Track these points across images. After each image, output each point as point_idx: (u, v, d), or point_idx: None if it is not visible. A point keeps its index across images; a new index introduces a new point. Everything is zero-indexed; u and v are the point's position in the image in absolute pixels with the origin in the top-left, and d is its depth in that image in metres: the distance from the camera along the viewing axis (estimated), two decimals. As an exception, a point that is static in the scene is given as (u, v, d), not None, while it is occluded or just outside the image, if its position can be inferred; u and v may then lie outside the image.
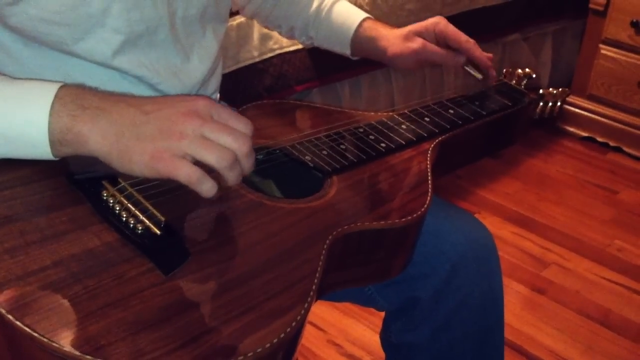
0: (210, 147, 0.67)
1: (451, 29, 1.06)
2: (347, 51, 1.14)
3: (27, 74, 0.82)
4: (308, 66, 1.64)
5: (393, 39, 1.08)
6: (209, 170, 0.67)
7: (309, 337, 1.55)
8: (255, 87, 1.56)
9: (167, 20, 0.85)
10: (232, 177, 0.68)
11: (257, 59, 1.57)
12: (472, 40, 1.06)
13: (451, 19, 1.08)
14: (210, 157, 0.67)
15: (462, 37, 1.05)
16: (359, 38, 1.12)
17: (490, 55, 1.09)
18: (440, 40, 1.06)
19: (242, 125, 0.70)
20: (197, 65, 0.92)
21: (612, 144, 2.43)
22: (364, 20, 1.12)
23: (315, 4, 1.15)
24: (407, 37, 1.07)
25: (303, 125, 1.00)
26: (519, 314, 1.65)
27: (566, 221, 2.03)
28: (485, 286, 0.93)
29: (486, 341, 0.95)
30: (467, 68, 1.08)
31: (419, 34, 1.07)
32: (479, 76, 1.09)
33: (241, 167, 0.69)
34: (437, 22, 1.06)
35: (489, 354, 0.97)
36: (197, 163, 0.67)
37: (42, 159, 0.71)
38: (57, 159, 0.71)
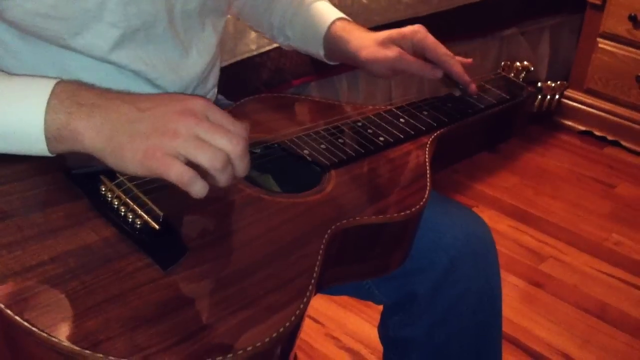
0: (203, 147, 0.66)
1: (430, 40, 1.00)
2: (321, 52, 1.09)
3: (24, 69, 0.82)
4: (306, 60, 1.64)
5: (368, 42, 1.02)
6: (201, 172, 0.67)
7: (307, 331, 1.55)
8: (253, 81, 1.56)
9: (165, 14, 0.84)
10: (223, 179, 0.68)
11: (255, 52, 1.57)
12: (450, 54, 1.00)
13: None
14: (203, 158, 0.66)
15: (440, 50, 1.00)
16: (331, 38, 1.06)
17: (470, 60, 1.04)
18: (418, 50, 1.01)
19: (238, 127, 0.69)
20: (196, 59, 0.91)
21: (609, 138, 2.43)
22: (338, 19, 1.06)
23: (295, 2, 1.10)
24: (383, 44, 1.01)
25: (301, 119, 1.00)
26: (516, 308, 1.66)
27: (564, 215, 2.04)
28: (483, 280, 0.93)
29: (484, 335, 0.96)
30: (444, 82, 1.03)
31: (395, 41, 1.01)
32: (456, 92, 1.04)
33: (234, 169, 0.68)
34: (416, 30, 1.01)
35: (487, 348, 0.97)
36: (189, 163, 0.66)
37: (39, 156, 0.71)
38: (53, 155, 0.71)
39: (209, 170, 0.66)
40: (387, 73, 1.03)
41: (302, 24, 1.09)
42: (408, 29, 1.02)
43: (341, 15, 1.08)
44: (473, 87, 1.02)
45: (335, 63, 1.12)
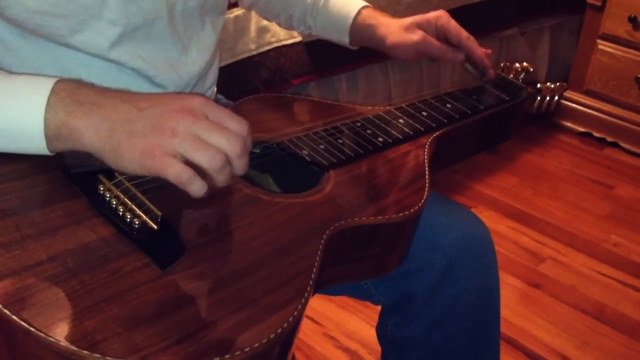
0: (201, 147, 0.65)
1: (453, 24, 1.06)
2: (345, 39, 1.13)
3: (24, 66, 0.82)
4: (305, 60, 1.64)
5: (393, 28, 1.07)
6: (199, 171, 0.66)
7: (305, 331, 1.55)
8: (252, 80, 1.56)
9: (165, 12, 0.84)
10: (221, 179, 0.67)
11: (254, 52, 1.57)
12: (472, 38, 1.05)
13: (449, 13, 1.07)
14: (201, 158, 0.65)
15: (462, 34, 1.05)
16: (357, 26, 1.11)
17: (489, 51, 1.08)
18: (441, 34, 1.06)
19: (237, 125, 0.68)
20: (195, 58, 0.91)
21: (609, 139, 2.43)
22: (363, 8, 1.11)
23: None
24: (408, 28, 1.06)
25: (300, 119, 1.00)
26: (514, 309, 1.66)
27: (562, 216, 2.04)
28: (482, 281, 0.93)
29: (482, 335, 0.96)
30: (465, 65, 1.09)
31: (420, 25, 1.06)
32: (477, 75, 1.09)
33: (233, 169, 0.68)
34: (440, 15, 1.06)
35: (485, 348, 0.97)
36: (188, 162, 0.66)
37: (38, 154, 0.71)
38: (52, 154, 0.71)
39: (207, 171, 0.66)
40: (412, 56, 1.08)
41: (326, 15, 1.13)
42: (432, 14, 1.07)
43: (364, 3, 1.13)
44: (491, 71, 1.09)
45: (355, 47, 1.16)
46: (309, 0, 1.14)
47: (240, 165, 0.68)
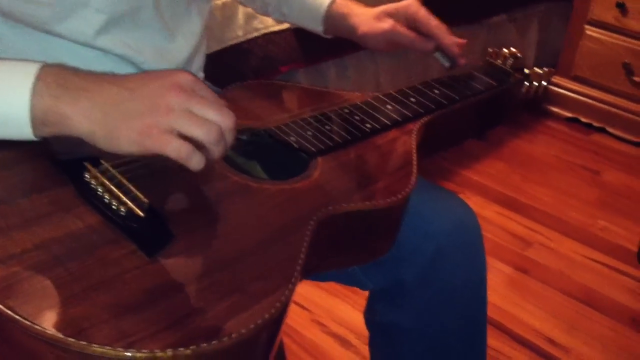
0: (197, 121, 0.67)
1: (422, 13, 1.04)
2: (319, 28, 1.12)
3: (9, 53, 0.81)
4: (294, 47, 1.63)
5: (365, 17, 1.07)
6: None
7: (294, 317, 1.56)
8: (240, 67, 1.55)
9: (150, -1, 0.84)
10: (218, 151, 0.69)
11: (242, 39, 1.56)
12: (443, 26, 1.04)
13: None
14: (199, 132, 0.67)
15: (432, 22, 1.04)
16: (331, 14, 1.10)
17: (463, 41, 1.07)
18: (411, 23, 1.05)
19: (220, 100, 0.70)
20: (182, 44, 0.91)
21: (596, 124, 2.44)
22: None
23: None
24: (378, 17, 1.06)
25: (288, 106, 1.00)
26: (502, 294, 1.67)
27: (550, 201, 2.05)
28: (469, 267, 0.93)
29: (469, 321, 0.96)
30: (435, 55, 1.07)
31: (389, 14, 1.06)
32: (447, 64, 1.07)
33: (225, 142, 0.69)
34: (409, 4, 1.05)
35: (473, 334, 0.97)
36: (183, 137, 0.67)
37: (23, 140, 0.71)
38: (38, 139, 0.71)
39: (204, 144, 0.67)
40: (384, 46, 1.07)
41: (299, 3, 1.12)
42: (402, 3, 1.06)
43: None
44: (462, 61, 1.06)
45: (329, 37, 1.15)
46: None
47: (231, 137, 0.70)
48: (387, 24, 1.04)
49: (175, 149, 0.66)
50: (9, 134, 0.70)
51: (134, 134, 0.66)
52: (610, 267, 1.80)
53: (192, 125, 0.67)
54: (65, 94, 0.68)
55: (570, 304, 1.66)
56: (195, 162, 0.67)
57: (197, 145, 0.67)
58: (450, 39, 1.04)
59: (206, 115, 0.68)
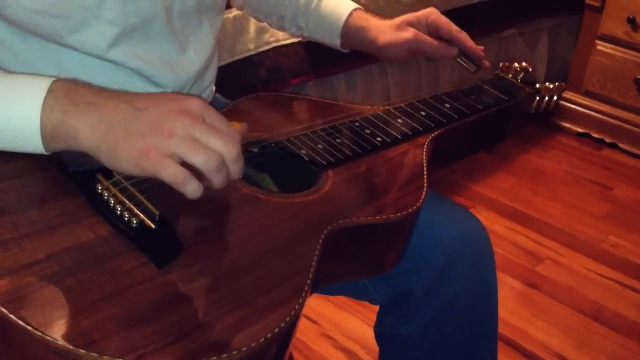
0: (198, 148, 0.66)
1: (443, 20, 1.06)
2: (337, 42, 1.12)
3: (22, 66, 0.82)
4: (304, 59, 1.64)
5: (384, 28, 1.07)
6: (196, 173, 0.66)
7: (303, 331, 1.55)
8: (251, 80, 1.56)
9: (163, 12, 0.84)
10: (218, 181, 0.67)
11: (253, 52, 1.57)
12: (464, 32, 1.05)
13: (448, 14, 1.08)
14: (198, 159, 0.65)
15: (454, 28, 1.05)
16: (349, 28, 1.10)
17: (482, 47, 1.08)
18: (433, 31, 1.06)
19: (232, 130, 0.69)
20: (194, 57, 0.91)
21: (607, 140, 2.43)
22: (355, 10, 1.11)
23: None
24: (399, 27, 1.06)
25: (299, 119, 1.00)
26: (512, 309, 1.66)
27: (561, 217, 2.04)
28: (479, 281, 0.93)
29: (479, 335, 0.96)
30: (459, 60, 1.08)
31: (411, 24, 1.06)
32: (472, 68, 1.08)
33: (229, 172, 0.68)
34: (430, 12, 1.06)
35: (482, 347, 0.97)
36: (184, 164, 0.66)
37: (34, 153, 0.71)
38: (49, 153, 0.71)
39: (203, 172, 0.66)
40: (405, 55, 1.08)
41: (317, 16, 1.13)
42: (422, 12, 1.07)
43: (356, 5, 1.12)
44: (486, 63, 1.07)
45: (347, 51, 1.15)
46: (302, 2, 1.14)
47: (236, 169, 0.68)
48: (409, 33, 1.05)
49: (172, 174, 0.65)
50: (21, 147, 0.71)
51: (133, 153, 0.66)
52: (621, 284, 1.79)
53: (193, 151, 0.65)
54: (75, 108, 0.68)
55: (580, 320, 1.65)
56: (192, 190, 0.65)
57: (198, 173, 0.66)
58: (473, 43, 1.05)
59: (209, 143, 0.66)
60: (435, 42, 1.05)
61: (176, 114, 0.67)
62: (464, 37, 1.05)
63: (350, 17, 1.10)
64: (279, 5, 1.15)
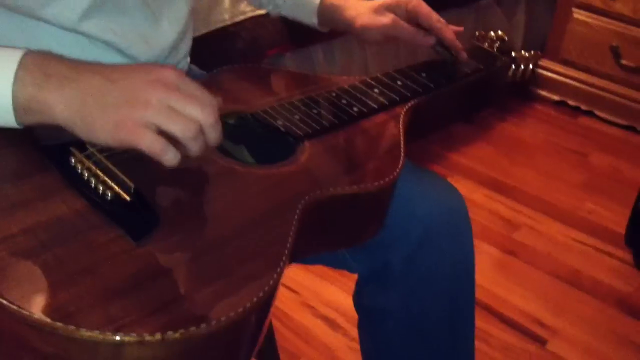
0: (175, 117, 0.66)
1: (424, 8, 1.04)
2: (314, 20, 1.11)
3: (-6, 40, 0.80)
4: (281, 30, 1.62)
5: (362, 9, 1.05)
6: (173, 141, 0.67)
7: (283, 300, 1.56)
8: (227, 51, 1.54)
9: (134, -17, 0.83)
10: (195, 148, 0.68)
11: (229, 22, 1.55)
12: (443, 21, 1.04)
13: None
14: (175, 127, 0.66)
15: (434, 17, 1.03)
16: (325, 6, 1.09)
17: (461, 28, 1.07)
18: (412, 17, 1.04)
19: (208, 97, 0.69)
20: (167, 29, 0.90)
21: (584, 107, 2.44)
22: None
23: None
24: (378, 11, 1.04)
25: (275, 90, 1.00)
26: (490, 276, 1.68)
27: (538, 184, 2.05)
28: (457, 250, 0.94)
29: (458, 304, 0.96)
30: (437, 48, 1.06)
31: (390, 8, 1.04)
32: (449, 58, 1.07)
33: (207, 139, 0.68)
34: None
35: (461, 317, 0.98)
36: (161, 133, 0.66)
37: (7, 127, 0.70)
38: (21, 127, 0.70)
39: (180, 140, 0.67)
40: (381, 39, 1.06)
41: None
42: None
43: None
44: (464, 54, 1.06)
45: (326, 30, 1.13)
46: None
47: (214, 134, 0.68)
48: (387, 18, 1.03)
49: (149, 143, 0.65)
50: (-7, 121, 0.70)
51: (109, 125, 0.66)
52: (597, 249, 1.81)
53: (169, 120, 0.66)
54: (47, 81, 0.67)
55: (557, 286, 1.67)
56: (169, 157, 0.66)
57: (175, 141, 0.66)
58: (451, 34, 1.04)
59: (185, 111, 0.67)
60: (413, 30, 1.04)
61: (150, 84, 0.67)
62: (442, 26, 1.03)
63: None
64: None
